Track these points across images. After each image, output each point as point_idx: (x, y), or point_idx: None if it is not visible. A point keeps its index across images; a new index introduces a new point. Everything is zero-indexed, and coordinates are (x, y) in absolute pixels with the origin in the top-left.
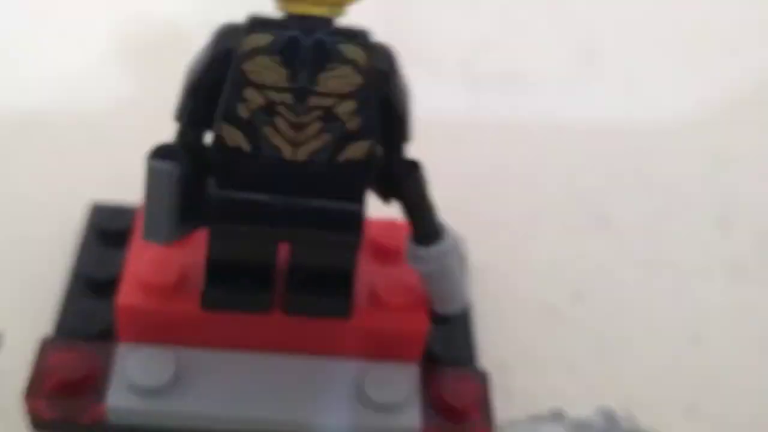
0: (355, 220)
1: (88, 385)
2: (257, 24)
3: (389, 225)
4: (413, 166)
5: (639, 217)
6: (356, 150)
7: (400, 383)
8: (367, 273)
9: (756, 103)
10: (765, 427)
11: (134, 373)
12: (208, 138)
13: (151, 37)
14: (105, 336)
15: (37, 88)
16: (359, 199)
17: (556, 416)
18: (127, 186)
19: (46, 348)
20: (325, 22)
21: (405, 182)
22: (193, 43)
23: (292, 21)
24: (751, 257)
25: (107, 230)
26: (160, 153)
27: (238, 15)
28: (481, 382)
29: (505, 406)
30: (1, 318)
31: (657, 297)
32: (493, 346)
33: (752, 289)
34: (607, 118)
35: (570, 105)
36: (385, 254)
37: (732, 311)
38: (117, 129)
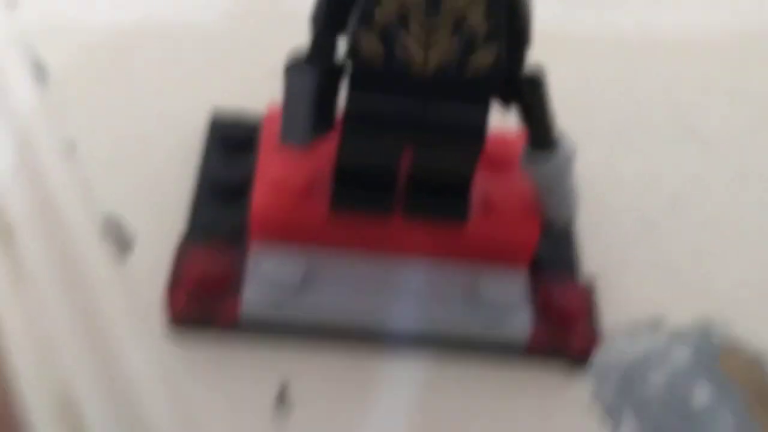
0: (479, 127)
1: (225, 282)
2: None
3: (502, 137)
4: (537, 77)
5: (731, 130)
6: (484, 57)
7: (511, 286)
8: (481, 182)
9: None
10: None
11: (268, 271)
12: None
13: None
14: (234, 238)
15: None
16: (484, 106)
17: (655, 324)
18: (245, 94)
19: (185, 248)
20: None
21: (529, 90)
22: None
23: None
24: None
25: (229, 137)
26: (299, 58)
27: None
28: (587, 289)
29: (605, 314)
30: (132, 221)
31: (749, 208)
32: (593, 256)
33: None
34: (700, 28)
35: (662, 16)
36: (498, 165)
37: None
38: (232, 39)
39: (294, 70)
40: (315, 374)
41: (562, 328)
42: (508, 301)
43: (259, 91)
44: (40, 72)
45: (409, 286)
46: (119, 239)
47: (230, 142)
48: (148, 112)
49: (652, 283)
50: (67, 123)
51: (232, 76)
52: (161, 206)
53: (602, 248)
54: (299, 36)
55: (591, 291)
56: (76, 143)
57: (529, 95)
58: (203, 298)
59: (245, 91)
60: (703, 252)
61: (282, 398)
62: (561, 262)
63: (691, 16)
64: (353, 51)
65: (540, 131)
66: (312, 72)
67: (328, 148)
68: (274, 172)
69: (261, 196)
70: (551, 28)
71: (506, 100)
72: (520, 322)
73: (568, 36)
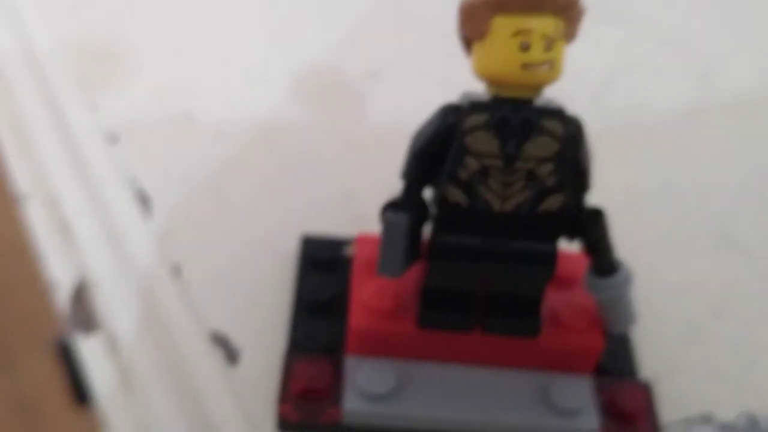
0: (550, 258)
1: (326, 391)
2: (475, 107)
3: (567, 257)
4: (598, 213)
5: (763, 235)
6: (552, 202)
7: (579, 391)
8: (550, 297)
9: None
10: None
11: (364, 381)
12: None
13: (323, 83)
14: (330, 350)
15: (233, 132)
16: (553, 241)
17: (706, 419)
18: (326, 218)
19: (291, 361)
20: (528, 102)
21: (591, 226)
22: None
23: (502, 102)
24: None
25: (319, 259)
26: (393, 206)
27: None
28: (646, 390)
29: (662, 412)
30: (237, 336)
31: None
32: (645, 357)
33: None
34: (727, 141)
35: (691, 132)
36: (565, 282)
37: None
38: (311, 169)
39: (389, 214)
40: None
41: (626, 427)
42: (577, 405)
43: (339, 212)
44: (144, 202)
45: (488, 393)
46: (226, 352)
47: (320, 263)
48: (245, 236)
49: (701, 382)
50: (172, 248)
51: (315, 201)
52: (262, 322)
53: (655, 351)
54: (369, 162)
55: (649, 392)
56: (182, 267)
57: (591, 231)
58: (308, 405)
59: (327, 214)
60: (745, 353)
61: None
62: (621, 367)
63: (718, 130)
64: (441, 200)
65: (601, 260)
66: (404, 217)
67: (412, 272)
68: (367, 295)
69: (357, 316)
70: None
71: (571, 234)
72: (588, 423)
73: (613, 155)
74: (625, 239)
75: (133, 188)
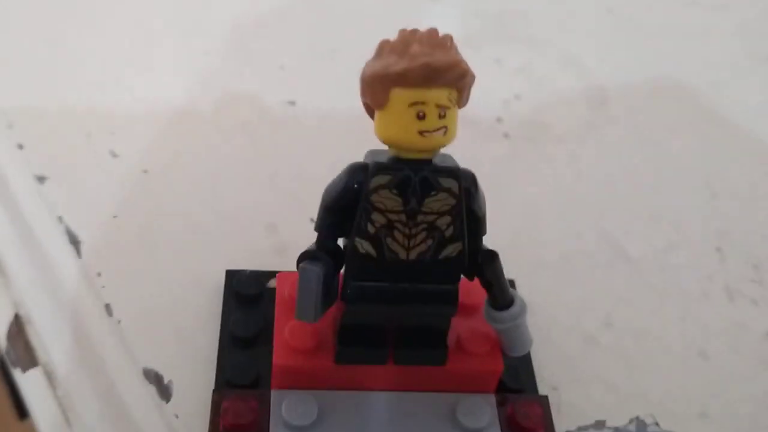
0: (452, 297)
1: (254, 425)
2: (379, 168)
3: (468, 286)
4: (492, 255)
5: (651, 251)
6: (452, 249)
7: (483, 410)
8: (455, 324)
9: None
10: (764, 427)
11: (288, 414)
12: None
13: (243, 114)
14: (257, 384)
15: (156, 168)
16: (454, 282)
17: (599, 425)
18: (250, 250)
19: (219, 397)
20: (427, 162)
21: (487, 267)
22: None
23: (403, 163)
24: (744, 282)
25: (244, 293)
26: (308, 257)
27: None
28: (543, 404)
29: (557, 420)
30: (169, 372)
31: (669, 320)
32: (544, 370)
33: (747, 309)
34: (619, 161)
35: (586, 149)
36: (467, 310)
37: (731, 328)
38: (235, 201)
39: (304, 264)
40: None
41: None
42: (482, 423)
43: (262, 244)
44: (73, 241)
45: (402, 417)
46: (159, 388)
47: (245, 297)
48: (172, 272)
49: (594, 391)
50: (102, 286)
51: (240, 234)
52: (192, 358)
53: (554, 364)
54: (290, 193)
55: (546, 404)
56: (112, 306)
57: (488, 270)
58: None
59: (251, 246)
60: (635, 362)
61: None
62: (521, 383)
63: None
64: (351, 251)
65: (498, 295)
66: (318, 267)
67: (330, 310)
68: (289, 333)
69: (279, 353)
70: (495, 174)
71: (470, 274)
72: None
73: (509, 181)
74: (524, 258)
75: (61, 228)
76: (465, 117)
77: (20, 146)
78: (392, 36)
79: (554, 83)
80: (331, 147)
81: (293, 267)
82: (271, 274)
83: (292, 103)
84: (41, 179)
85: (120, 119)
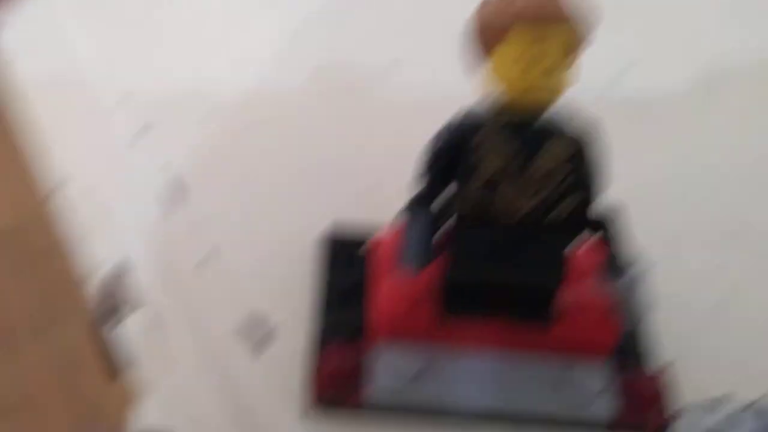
0: (564, 256)
1: (355, 373)
2: (492, 113)
3: (584, 251)
4: (611, 215)
5: None
6: (566, 205)
7: (596, 378)
8: (568, 288)
9: None
10: None
11: (391, 365)
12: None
13: (347, 75)
14: (359, 334)
15: (264, 122)
16: (568, 240)
17: (716, 403)
18: (353, 207)
19: (322, 344)
20: (541, 111)
21: (604, 227)
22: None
23: (515, 113)
24: None
25: (345, 248)
26: (416, 203)
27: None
28: (661, 376)
29: (678, 394)
30: (271, 319)
31: None
32: (665, 342)
33: None
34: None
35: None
36: (581, 273)
37: None
38: (340, 159)
39: (411, 212)
40: None
41: (642, 413)
42: (594, 390)
43: (365, 202)
44: (181, 188)
45: (509, 378)
46: (260, 334)
47: (347, 251)
48: (277, 224)
49: (716, 368)
50: (208, 233)
51: (344, 191)
52: (293, 306)
53: (674, 337)
54: (394, 152)
55: (665, 377)
56: (218, 251)
57: (605, 230)
58: (337, 388)
59: (355, 203)
60: (762, 339)
61: None
62: (638, 353)
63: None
64: (458, 202)
65: (614, 258)
66: (425, 215)
67: (436, 263)
68: (392, 286)
69: (382, 305)
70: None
71: (585, 235)
72: (604, 409)
73: (628, 149)
74: (644, 227)
75: (168, 175)
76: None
77: (129, 93)
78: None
79: (670, 56)
80: (437, 107)
81: (392, 224)
82: (374, 230)
83: (397, 61)
84: (149, 126)
85: (226, 71)
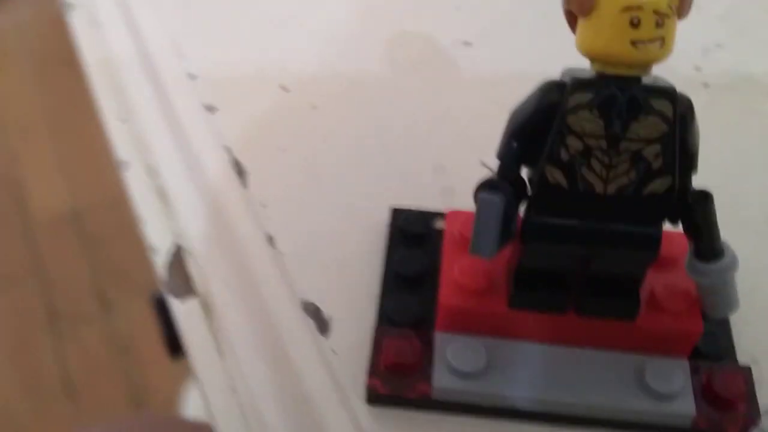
0: (654, 241)
1: (416, 366)
2: (579, 84)
3: (668, 237)
4: (706, 196)
5: None
6: (658, 185)
7: (676, 375)
8: (648, 278)
9: None
10: None
11: (454, 358)
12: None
13: (415, 52)
14: (420, 324)
15: (326, 103)
16: (658, 224)
17: None
18: (416, 190)
19: (380, 334)
20: (636, 80)
21: (697, 209)
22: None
23: (608, 80)
24: None
25: (409, 232)
26: (488, 186)
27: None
28: (745, 375)
29: (759, 396)
30: (329, 307)
31: None
32: (745, 341)
33: None
34: None
35: None
36: (664, 263)
37: None
38: (403, 139)
39: (484, 194)
40: None
41: (725, 413)
42: (673, 389)
43: (429, 185)
44: (240, 172)
45: (580, 374)
46: (317, 322)
47: (410, 236)
48: (336, 207)
49: None
50: (266, 217)
51: (406, 173)
52: (353, 293)
53: (755, 334)
54: (461, 134)
55: (748, 376)
56: (275, 236)
57: (697, 214)
58: (397, 381)
59: (418, 186)
60: None
61: None
62: (719, 350)
63: None
64: (539, 181)
65: (707, 243)
66: (498, 198)
67: (505, 250)
68: (458, 272)
69: (447, 293)
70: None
71: (676, 217)
72: (684, 408)
73: (709, 133)
74: (725, 217)
75: (229, 158)
76: (660, 63)
77: (192, 76)
78: None
79: (759, 31)
80: (504, 91)
81: (459, 208)
82: (437, 215)
83: (468, 44)
84: (211, 109)
85: (291, 53)
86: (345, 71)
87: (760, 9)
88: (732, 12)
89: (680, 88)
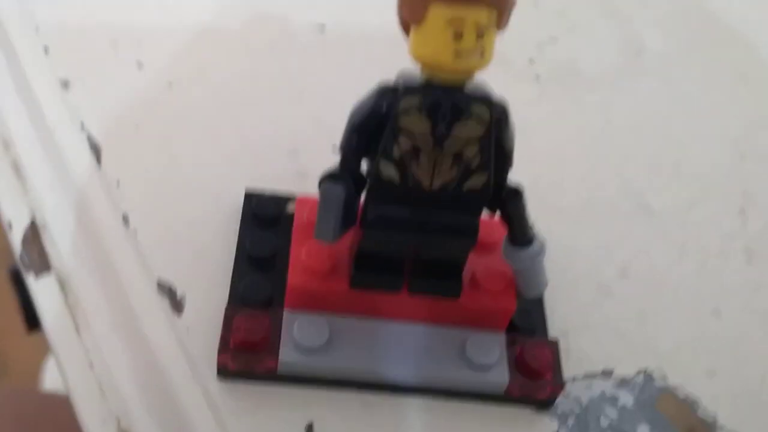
0: (473, 230)
1: (264, 343)
2: (410, 89)
3: (487, 223)
4: (517, 192)
5: (673, 205)
6: (476, 181)
7: (492, 348)
8: (470, 261)
9: None
10: None
11: (299, 335)
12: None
13: (271, 34)
14: (269, 303)
15: (182, 82)
16: (476, 215)
17: (606, 374)
18: (271, 173)
19: (231, 313)
20: (459, 87)
21: (511, 202)
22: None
23: (435, 86)
24: (764, 245)
25: (262, 214)
26: (330, 177)
27: None
28: (552, 348)
29: (565, 366)
30: (183, 286)
31: (685, 275)
32: (556, 316)
33: (765, 272)
34: (649, 112)
35: (615, 102)
36: (484, 247)
37: (746, 289)
38: (258, 122)
39: (326, 184)
40: (335, 416)
41: (534, 382)
42: (490, 360)
43: (283, 168)
44: (94, 149)
45: (412, 348)
46: (171, 301)
47: (263, 218)
48: (192, 188)
49: (604, 339)
50: (121, 196)
51: (262, 155)
52: (206, 273)
53: (565, 310)
54: (314, 118)
55: (556, 349)
56: (129, 215)
57: (510, 206)
58: (246, 358)
59: (273, 169)
60: (647, 314)
61: None
62: (532, 325)
63: (637, 100)
64: (375, 174)
65: (518, 232)
66: (340, 188)
67: (347, 235)
68: (305, 255)
69: (294, 274)
70: (525, 108)
71: (492, 208)
72: (498, 377)
73: (536, 124)
74: (544, 202)
75: (83, 134)
76: (496, 55)
77: (46, 49)
78: None
79: (591, 29)
80: (357, 74)
81: (313, 192)
82: (291, 199)
83: (322, 26)
84: (65, 84)
85: (147, 30)
86: (201, 51)
87: (596, 5)
88: (569, 8)
89: (514, 79)
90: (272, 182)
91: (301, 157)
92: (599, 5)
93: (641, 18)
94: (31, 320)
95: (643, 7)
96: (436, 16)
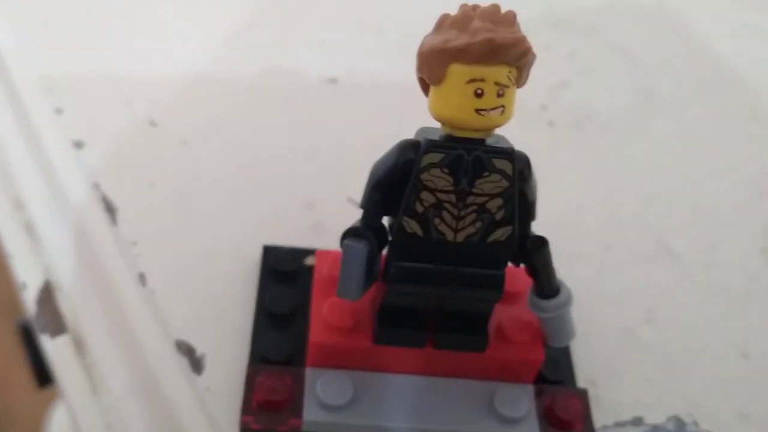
0: (498, 282)
1: (287, 402)
2: (431, 145)
3: (512, 273)
4: (542, 241)
5: (695, 247)
6: (501, 233)
7: (521, 400)
8: (496, 312)
9: None
10: None
11: (323, 393)
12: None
13: (282, 88)
14: (291, 361)
15: (196, 139)
16: (501, 267)
17: (637, 422)
18: (287, 227)
19: (253, 372)
20: (481, 142)
21: (536, 253)
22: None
23: (456, 142)
24: None
25: (280, 269)
26: (352, 234)
27: None
28: (582, 398)
29: (595, 414)
30: (202, 345)
31: (711, 318)
32: (583, 363)
33: None
34: (664, 154)
35: (632, 145)
36: (509, 297)
37: None
38: (273, 176)
39: (348, 241)
40: None
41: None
42: (519, 413)
43: (299, 222)
44: (109, 209)
45: (438, 402)
46: (191, 361)
47: (281, 273)
48: (208, 244)
49: (634, 386)
50: (137, 255)
51: (277, 210)
52: (226, 332)
53: (592, 357)
54: (328, 170)
55: (585, 398)
56: (146, 275)
57: (536, 257)
58: (269, 417)
59: (289, 223)
60: (675, 358)
61: None
62: (560, 375)
63: (651, 143)
64: (397, 231)
65: (545, 284)
66: (362, 245)
67: (370, 290)
68: (326, 311)
69: (316, 331)
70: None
71: (517, 260)
72: (529, 428)
73: (553, 170)
74: (565, 248)
75: (97, 194)
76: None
77: (59, 111)
78: (439, 12)
79: (602, 72)
80: (371, 126)
81: (329, 245)
82: (308, 252)
83: (334, 80)
84: (79, 145)
85: (160, 88)
86: (214, 106)
87: (605, 48)
88: (578, 53)
89: (527, 126)
90: (288, 235)
91: (317, 210)
92: (608, 48)
93: (651, 60)
94: (42, 376)
95: (652, 48)
96: (456, 75)
